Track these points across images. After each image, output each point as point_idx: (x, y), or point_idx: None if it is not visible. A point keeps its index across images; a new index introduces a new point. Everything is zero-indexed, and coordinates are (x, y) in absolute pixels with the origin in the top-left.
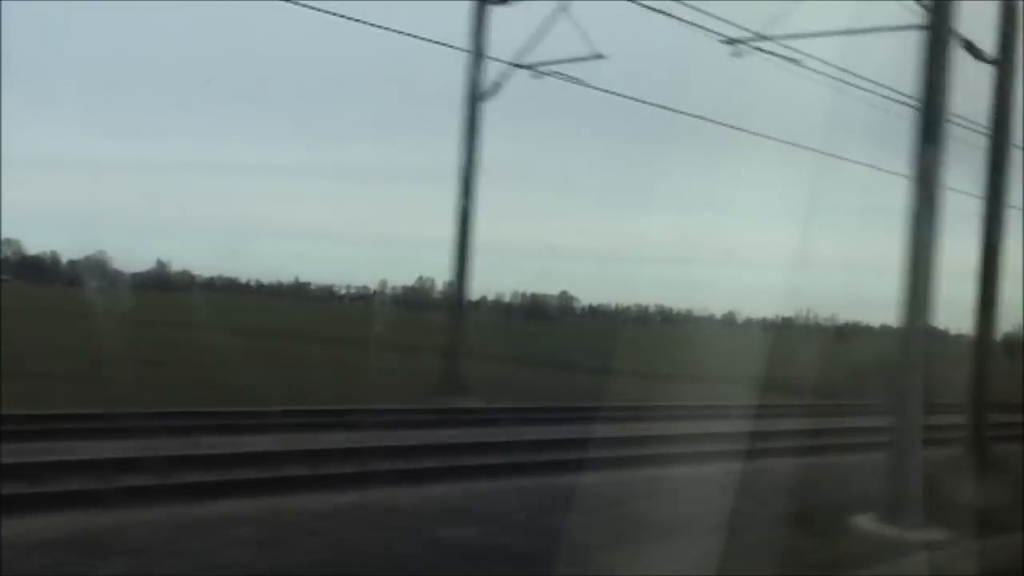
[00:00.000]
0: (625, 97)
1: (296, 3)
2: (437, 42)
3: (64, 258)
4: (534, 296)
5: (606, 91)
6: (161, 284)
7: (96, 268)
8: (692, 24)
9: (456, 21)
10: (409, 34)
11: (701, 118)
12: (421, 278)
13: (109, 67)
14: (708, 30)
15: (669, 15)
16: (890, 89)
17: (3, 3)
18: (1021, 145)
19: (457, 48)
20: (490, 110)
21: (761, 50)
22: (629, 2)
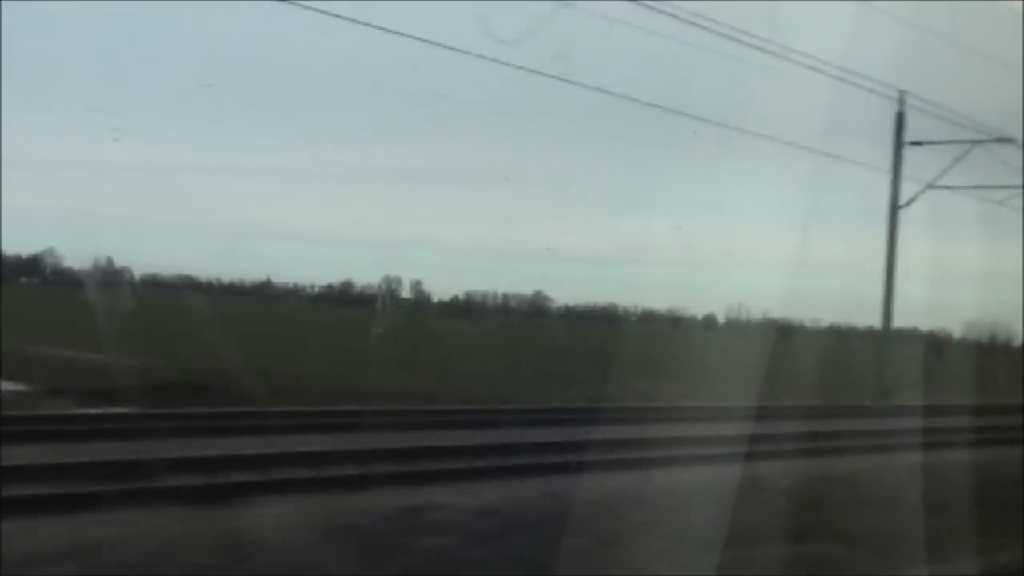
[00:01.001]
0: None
1: (297, 3)
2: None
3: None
4: (506, 296)
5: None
6: (104, 282)
7: (35, 265)
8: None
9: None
10: (406, 34)
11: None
12: (387, 277)
13: (109, 69)
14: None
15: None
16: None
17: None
18: (1021, 145)
19: (454, 48)
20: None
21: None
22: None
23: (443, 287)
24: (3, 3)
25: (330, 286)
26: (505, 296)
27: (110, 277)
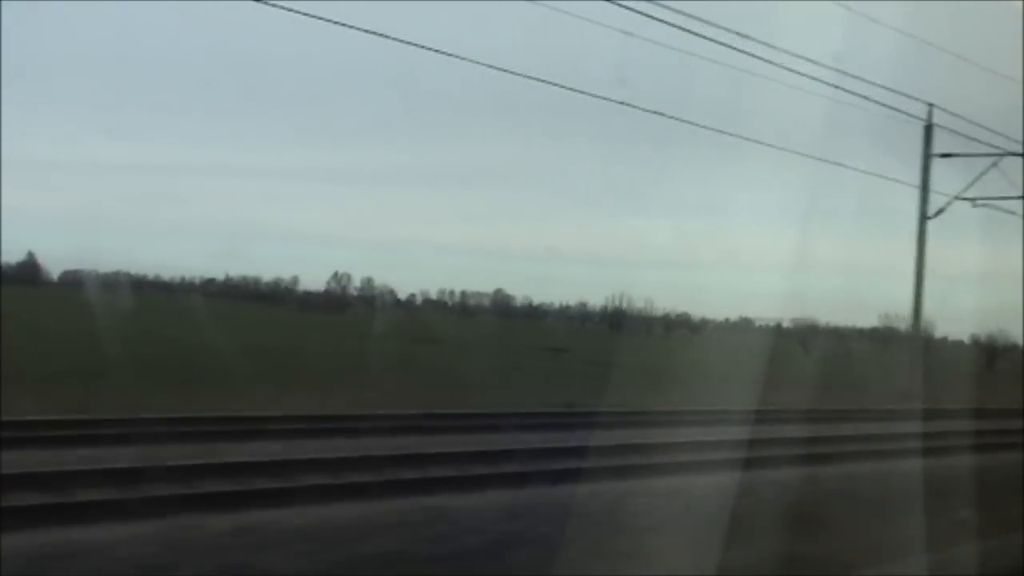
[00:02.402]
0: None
1: (293, 11)
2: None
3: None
4: (464, 294)
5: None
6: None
7: None
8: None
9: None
10: (404, 40)
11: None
12: (337, 274)
13: (108, 69)
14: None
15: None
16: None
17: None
18: (1021, 152)
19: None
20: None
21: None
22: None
23: (399, 285)
24: (3, 3)
25: (276, 282)
26: (463, 294)
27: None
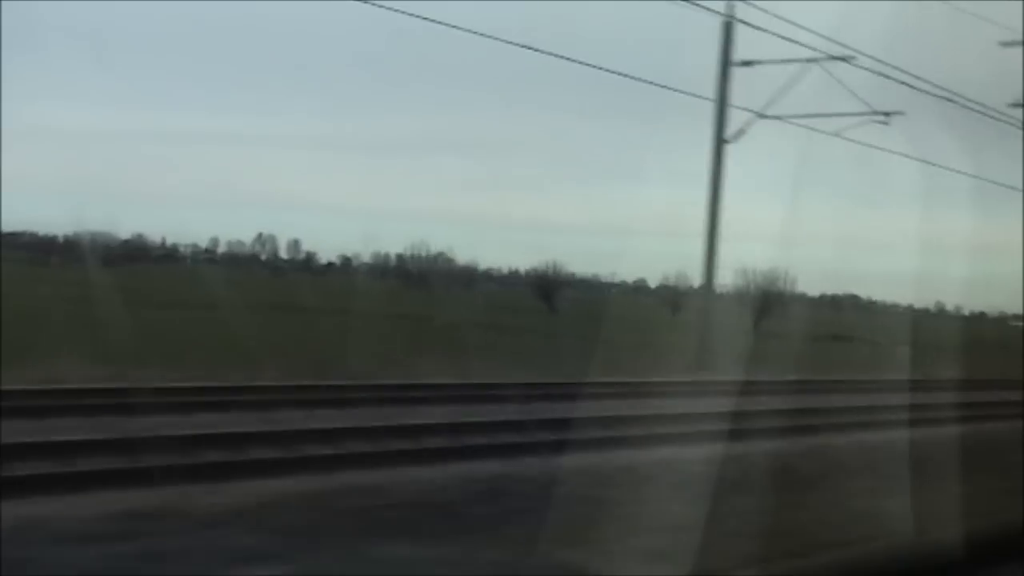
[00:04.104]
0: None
1: None
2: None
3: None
4: (400, 257)
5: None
6: None
7: None
8: None
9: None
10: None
11: None
12: (261, 236)
13: (124, 37)
14: None
15: None
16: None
17: None
18: (1020, 127)
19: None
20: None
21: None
22: None
23: (325, 247)
24: None
25: (203, 248)
26: (399, 257)
27: None
